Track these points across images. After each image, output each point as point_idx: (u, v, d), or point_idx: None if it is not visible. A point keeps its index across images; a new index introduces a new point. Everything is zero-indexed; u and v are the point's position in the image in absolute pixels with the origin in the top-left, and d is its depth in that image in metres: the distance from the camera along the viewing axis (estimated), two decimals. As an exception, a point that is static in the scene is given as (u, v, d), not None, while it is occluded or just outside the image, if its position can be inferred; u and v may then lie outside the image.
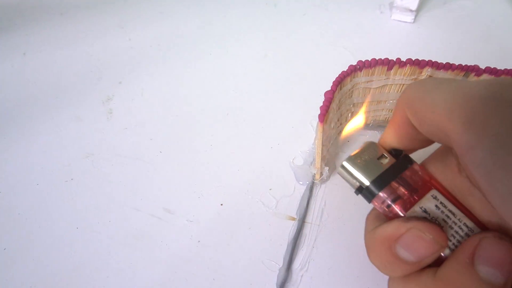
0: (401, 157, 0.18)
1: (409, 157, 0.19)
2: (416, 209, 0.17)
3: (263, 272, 0.25)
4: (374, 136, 0.33)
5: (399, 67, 0.28)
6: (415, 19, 0.47)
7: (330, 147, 0.31)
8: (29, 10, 0.46)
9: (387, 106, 0.32)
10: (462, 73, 0.28)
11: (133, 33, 0.42)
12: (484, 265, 0.14)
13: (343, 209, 0.28)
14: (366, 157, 0.18)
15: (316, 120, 0.23)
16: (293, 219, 0.27)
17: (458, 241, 0.16)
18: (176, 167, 0.30)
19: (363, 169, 0.18)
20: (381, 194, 0.17)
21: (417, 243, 0.15)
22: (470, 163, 0.13)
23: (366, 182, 0.18)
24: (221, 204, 0.28)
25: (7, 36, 0.43)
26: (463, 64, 0.28)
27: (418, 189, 0.17)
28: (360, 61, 0.28)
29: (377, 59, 0.28)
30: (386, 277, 0.25)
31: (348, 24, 0.47)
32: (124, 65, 0.38)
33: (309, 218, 0.27)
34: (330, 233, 0.26)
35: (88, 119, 0.33)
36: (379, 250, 0.16)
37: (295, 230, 0.26)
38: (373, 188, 0.17)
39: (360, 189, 0.18)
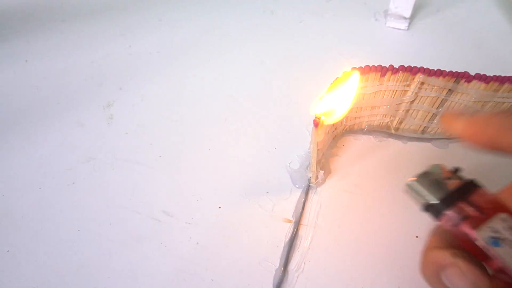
0: (468, 180, 0.19)
1: (477, 182, 0.20)
2: (485, 228, 0.17)
3: (260, 273, 0.25)
4: (368, 140, 0.34)
5: (392, 73, 0.29)
6: (409, 26, 0.48)
7: (326, 151, 0.32)
8: (31, 18, 0.47)
9: (380, 111, 0.32)
10: (453, 80, 0.29)
11: (134, 40, 0.43)
12: None
13: (338, 212, 0.28)
14: (434, 177, 0.20)
15: (311, 125, 0.24)
16: (289, 221, 0.28)
17: None
18: (176, 171, 0.31)
19: (432, 188, 0.19)
20: (449, 212, 0.18)
21: (457, 279, 0.16)
22: None
23: (435, 200, 0.19)
24: (220, 207, 0.29)
25: (10, 43, 0.44)
26: (454, 71, 0.29)
27: (486, 211, 0.18)
28: (354, 68, 0.29)
29: (370, 66, 0.29)
30: (380, 278, 0.25)
31: (343, 31, 0.48)
32: (124, 72, 0.39)
33: (304, 221, 0.28)
34: (325, 235, 0.27)
35: (89, 124, 0.34)
36: (429, 269, 0.18)
37: (291, 232, 0.27)
38: (441, 206, 0.18)
39: (428, 207, 0.19)
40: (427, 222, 0.28)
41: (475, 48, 0.46)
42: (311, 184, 0.30)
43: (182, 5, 0.49)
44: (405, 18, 0.48)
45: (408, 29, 0.48)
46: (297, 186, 0.30)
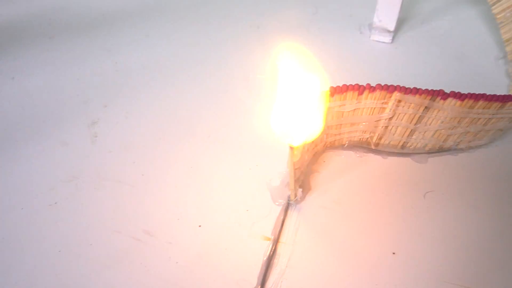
0: None
1: None
2: None
3: (238, 292, 0.26)
4: (349, 156, 0.34)
5: (370, 92, 0.30)
6: (393, 39, 0.49)
7: (306, 168, 0.33)
8: (18, 35, 0.48)
9: (360, 128, 0.33)
10: (429, 97, 0.30)
11: (120, 57, 0.44)
12: None
13: (316, 229, 0.29)
14: None
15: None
16: (268, 239, 0.28)
17: None
18: (158, 189, 0.31)
19: None
20: None
21: None
22: None
23: None
24: (200, 226, 0.29)
25: (-3, 60, 0.44)
26: (429, 89, 0.30)
27: None
28: (332, 87, 0.30)
29: (348, 84, 0.30)
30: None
31: (329, 44, 0.48)
32: (110, 89, 0.40)
33: (283, 238, 0.28)
34: (303, 253, 0.27)
35: (73, 143, 0.34)
36: None
37: (269, 250, 0.27)
38: None
39: None
40: (404, 238, 0.29)
41: (457, 60, 0.46)
42: (290, 202, 0.30)
43: (169, 20, 0.50)
44: (389, 31, 0.49)
45: (392, 42, 0.49)
46: (277, 203, 0.30)
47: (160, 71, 0.42)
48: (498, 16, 0.45)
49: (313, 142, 0.32)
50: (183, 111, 0.38)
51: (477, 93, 0.30)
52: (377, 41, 0.49)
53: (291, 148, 0.25)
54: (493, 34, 0.49)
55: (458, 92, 0.30)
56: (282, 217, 0.29)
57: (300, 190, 0.29)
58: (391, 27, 0.49)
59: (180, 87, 0.41)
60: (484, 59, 0.46)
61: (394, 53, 0.48)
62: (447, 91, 0.44)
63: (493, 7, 0.46)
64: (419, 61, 0.46)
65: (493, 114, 0.31)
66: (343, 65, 0.45)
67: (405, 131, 0.33)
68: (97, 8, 0.52)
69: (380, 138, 0.34)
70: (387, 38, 0.49)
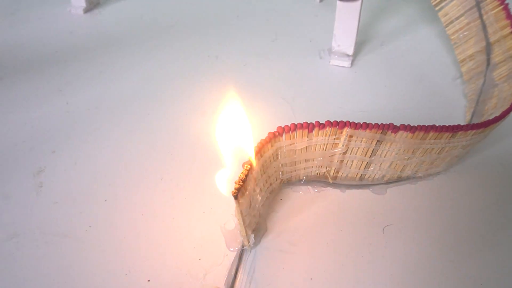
0: None
1: None
2: None
3: None
4: (307, 191, 0.34)
5: (319, 129, 0.29)
6: (352, 63, 0.49)
7: (261, 209, 0.32)
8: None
9: (315, 163, 0.32)
10: (380, 131, 0.29)
11: (72, 96, 0.42)
12: None
13: (271, 275, 0.28)
14: None
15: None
16: (221, 291, 0.27)
17: None
18: (105, 242, 0.30)
19: None
20: None
21: None
22: None
23: None
24: (149, 280, 0.27)
25: None
26: (380, 124, 0.29)
27: None
28: (280, 127, 0.29)
29: (296, 123, 0.29)
30: None
31: (288, 71, 0.48)
32: (59, 132, 0.38)
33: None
34: (258, 304, 0.26)
35: (16, 196, 0.32)
36: None
37: (221, 305, 0.26)
38: None
39: None
40: (363, 278, 0.27)
41: (416, 81, 0.47)
42: (244, 247, 0.29)
43: (125, 55, 0.49)
44: (348, 55, 0.49)
45: (351, 66, 0.49)
46: (232, 249, 0.29)
47: (112, 110, 0.41)
48: (452, 37, 0.46)
49: (266, 181, 0.31)
50: (134, 154, 0.36)
51: (426, 124, 0.30)
52: (337, 65, 0.49)
53: (235, 198, 0.24)
54: (450, 54, 0.50)
55: (408, 125, 0.29)
56: (236, 265, 0.28)
57: (252, 236, 0.28)
58: (350, 51, 0.49)
59: (132, 126, 0.39)
60: (443, 79, 0.47)
61: (354, 77, 0.48)
62: (408, 113, 0.44)
63: (447, 28, 0.46)
64: (379, 84, 0.46)
65: (445, 144, 0.31)
66: (303, 91, 0.45)
67: (361, 164, 0.32)
68: (49, 44, 0.50)
69: (337, 172, 0.34)
70: (347, 63, 0.49)
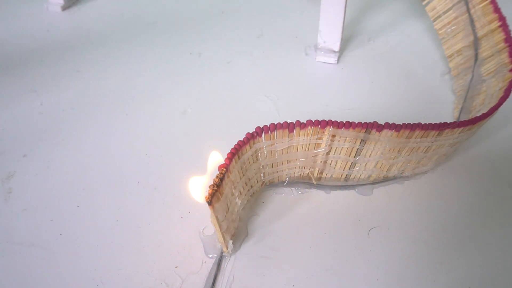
0: None
1: None
2: None
3: None
4: (290, 193, 0.32)
5: (301, 128, 0.28)
6: (339, 59, 0.48)
7: (242, 212, 0.30)
8: None
9: (298, 164, 0.31)
10: (363, 130, 0.28)
11: (46, 97, 0.40)
12: None
13: (251, 283, 0.26)
14: None
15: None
16: (198, 301, 0.26)
17: None
18: (76, 250, 0.28)
19: None
20: None
21: None
22: None
23: None
24: (122, 291, 0.26)
25: None
26: (363, 122, 0.28)
27: None
28: (258, 128, 0.27)
29: (276, 123, 0.28)
30: None
31: (273, 68, 0.46)
32: (31, 135, 0.36)
33: (215, 298, 0.26)
34: (236, 315, 0.25)
35: (-17, 203, 0.31)
36: None
37: (197, 316, 0.25)
38: None
39: None
40: (348, 283, 0.26)
41: (404, 77, 0.45)
42: (223, 254, 0.28)
43: (104, 54, 0.47)
44: (334, 51, 0.47)
45: (338, 62, 0.48)
46: (210, 256, 0.28)
47: (88, 111, 0.39)
48: (439, 32, 0.45)
49: (246, 184, 0.30)
50: (110, 156, 0.35)
51: (414, 122, 0.28)
52: (323, 62, 0.48)
53: (208, 204, 0.23)
54: (438, 49, 0.49)
55: (393, 123, 0.28)
56: (214, 272, 0.27)
57: (231, 242, 0.27)
58: (336, 47, 0.47)
59: (108, 128, 0.37)
60: (431, 75, 0.46)
61: (340, 73, 0.46)
62: (396, 110, 0.43)
63: (434, 23, 0.45)
64: (366, 80, 0.45)
65: (432, 142, 0.30)
66: (288, 89, 0.43)
67: (346, 164, 0.31)
68: (25, 43, 0.48)
69: (321, 173, 0.32)
70: (333, 59, 0.47)
